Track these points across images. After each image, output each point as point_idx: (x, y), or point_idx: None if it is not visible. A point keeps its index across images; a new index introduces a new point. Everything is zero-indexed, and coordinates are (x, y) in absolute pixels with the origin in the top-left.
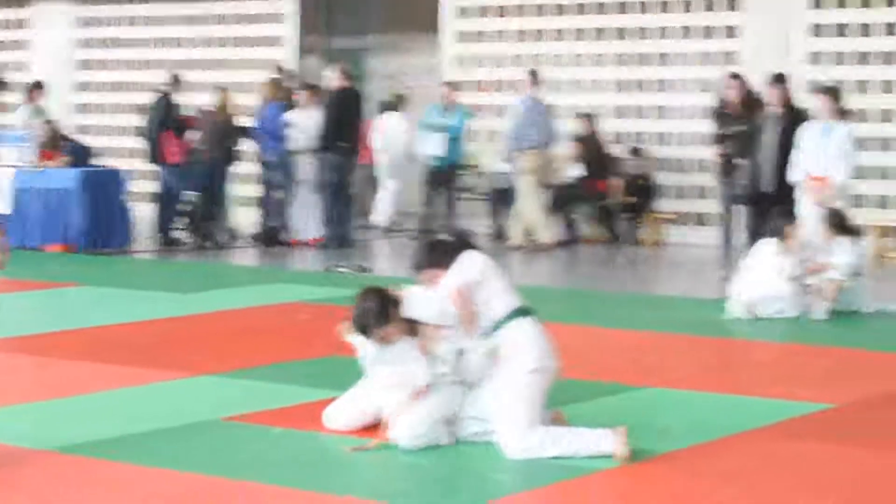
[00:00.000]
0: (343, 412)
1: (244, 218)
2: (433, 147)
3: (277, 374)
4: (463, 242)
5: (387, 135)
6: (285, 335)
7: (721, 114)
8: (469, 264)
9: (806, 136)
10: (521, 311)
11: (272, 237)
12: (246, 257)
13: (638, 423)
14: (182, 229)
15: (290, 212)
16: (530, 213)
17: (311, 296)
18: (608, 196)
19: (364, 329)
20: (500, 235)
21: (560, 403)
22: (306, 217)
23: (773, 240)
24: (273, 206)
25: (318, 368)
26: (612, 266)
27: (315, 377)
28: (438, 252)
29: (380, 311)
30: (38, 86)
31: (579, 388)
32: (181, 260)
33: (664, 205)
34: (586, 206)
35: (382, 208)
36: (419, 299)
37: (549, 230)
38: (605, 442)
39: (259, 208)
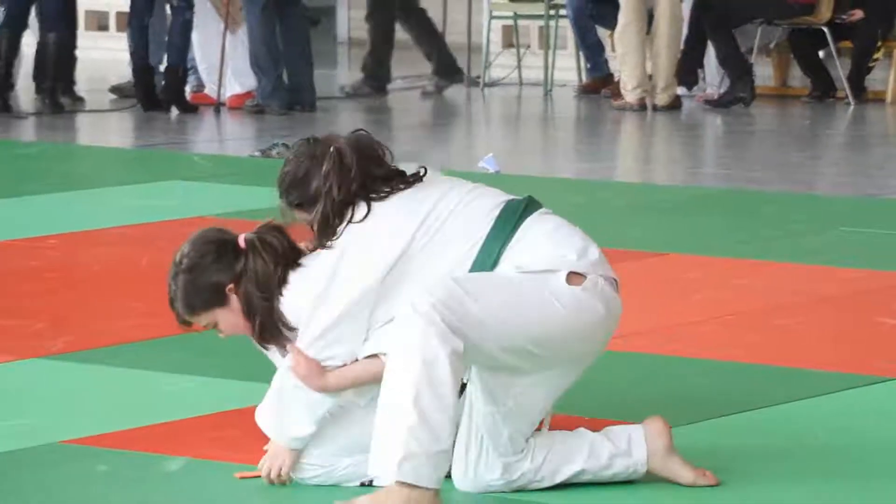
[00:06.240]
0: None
1: (98, 56)
2: None
3: (168, 357)
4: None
5: None
6: None
7: None
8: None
9: None
10: (519, 209)
11: (152, 90)
12: (104, 130)
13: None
14: None
15: (187, 44)
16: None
17: (229, 206)
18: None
19: (181, 317)
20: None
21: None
22: (221, 54)
23: None
24: (155, 34)
25: (240, 345)
26: (821, 143)
27: (236, 360)
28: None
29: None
30: None
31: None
32: None
33: None
34: (765, 29)
35: None
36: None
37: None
38: (638, 449)
39: (130, 38)
